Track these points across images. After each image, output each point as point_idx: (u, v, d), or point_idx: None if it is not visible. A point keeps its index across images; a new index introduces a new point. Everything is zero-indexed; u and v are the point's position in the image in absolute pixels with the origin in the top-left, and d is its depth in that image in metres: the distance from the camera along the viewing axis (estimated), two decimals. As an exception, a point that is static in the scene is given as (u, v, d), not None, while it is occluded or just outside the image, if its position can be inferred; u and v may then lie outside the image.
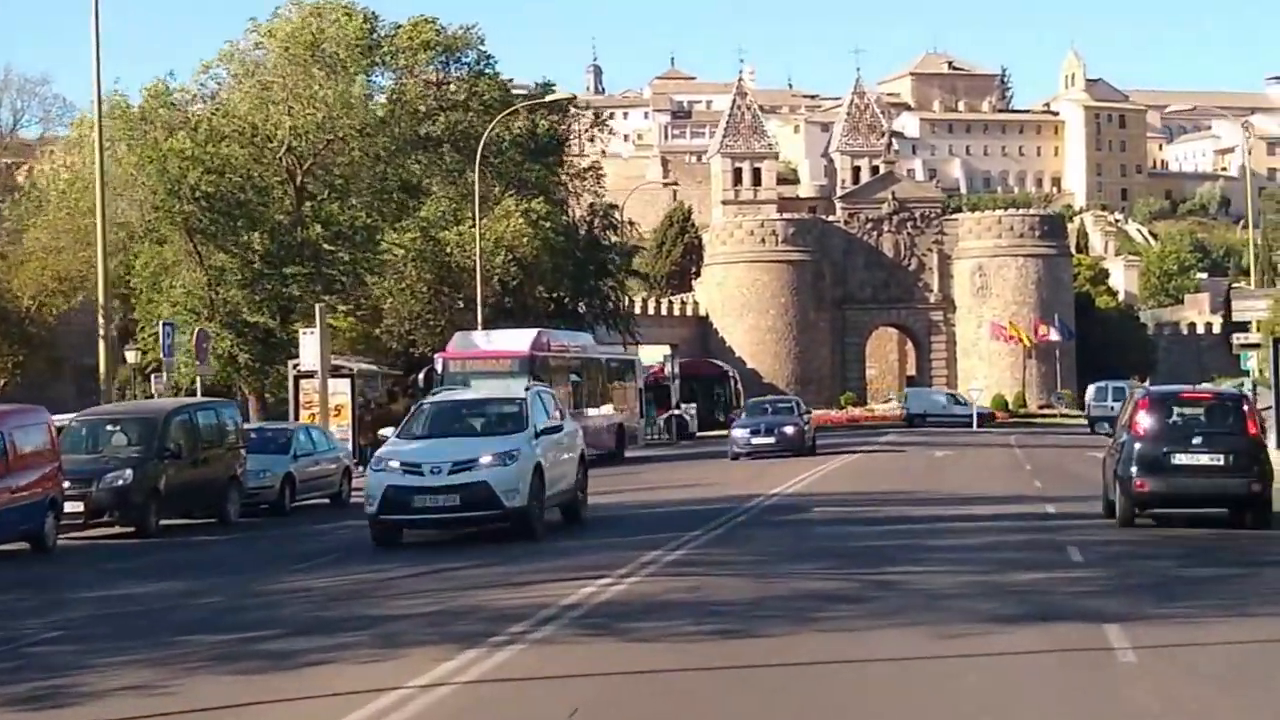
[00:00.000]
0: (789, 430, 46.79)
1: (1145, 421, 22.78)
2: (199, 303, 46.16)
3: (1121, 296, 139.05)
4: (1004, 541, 21.38)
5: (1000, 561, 18.97)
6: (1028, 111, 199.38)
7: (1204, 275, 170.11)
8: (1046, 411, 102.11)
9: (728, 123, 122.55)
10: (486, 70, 60.21)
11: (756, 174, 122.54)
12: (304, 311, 48.37)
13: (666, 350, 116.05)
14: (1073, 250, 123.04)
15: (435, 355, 48.40)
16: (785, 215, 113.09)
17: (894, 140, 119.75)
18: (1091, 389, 74.63)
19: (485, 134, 55.02)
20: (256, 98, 47.73)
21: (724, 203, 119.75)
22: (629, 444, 53.79)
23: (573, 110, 66.36)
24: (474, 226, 56.79)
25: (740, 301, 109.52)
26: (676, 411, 73.67)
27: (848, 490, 31.45)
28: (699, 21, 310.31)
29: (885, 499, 28.95)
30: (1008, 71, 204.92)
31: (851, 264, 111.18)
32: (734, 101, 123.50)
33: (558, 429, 23.17)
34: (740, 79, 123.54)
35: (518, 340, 47.90)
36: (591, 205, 75.69)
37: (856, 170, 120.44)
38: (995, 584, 16.99)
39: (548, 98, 59.45)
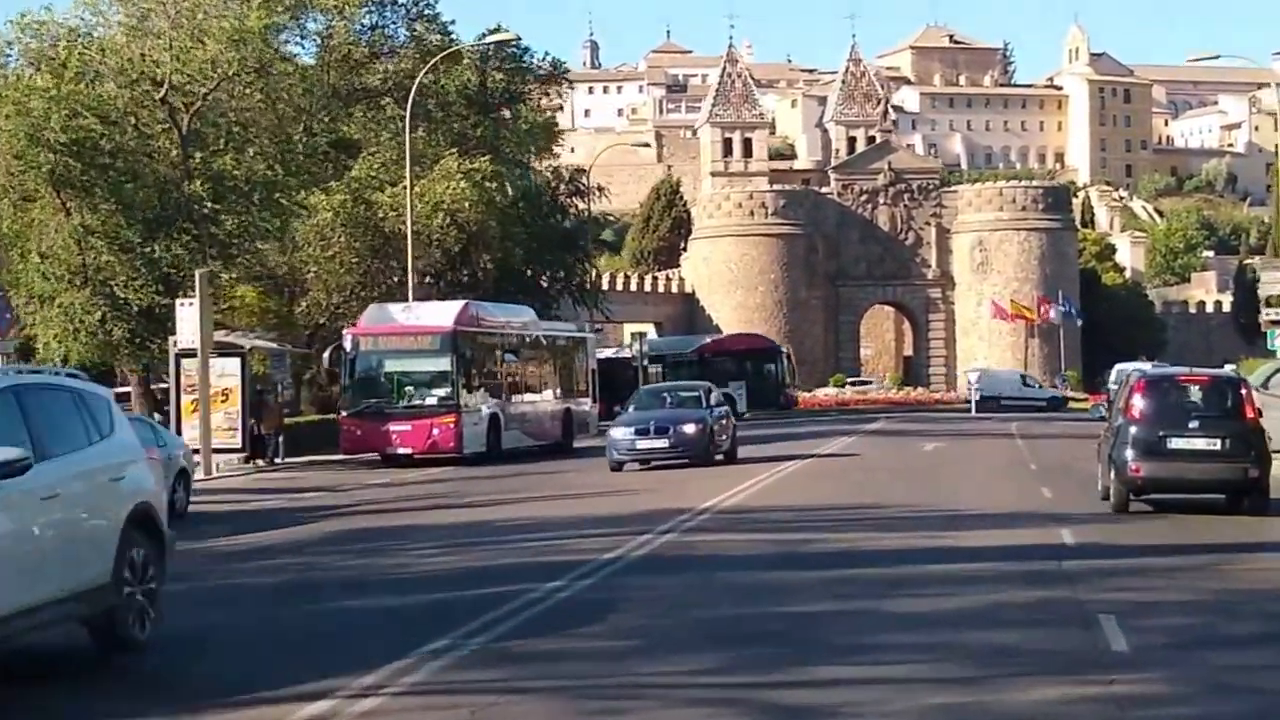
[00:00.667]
0: (688, 429, 33.54)
1: (1141, 404, 22.05)
2: (65, 269, 38.69)
3: (1128, 274, 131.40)
4: (1001, 606, 13.96)
5: (995, 654, 11.62)
6: (1030, 86, 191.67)
7: (1210, 253, 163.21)
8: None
9: (717, 91, 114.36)
10: (426, 12, 52.56)
11: (747, 145, 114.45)
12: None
13: (647, 329, 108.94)
14: (1078, 225, 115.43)
15: (344, 330, 41.08)
16: (775, 186, 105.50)
17: (891, 110, 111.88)
18: (1115, 371, 67.04)
19: (418, 80, 47.51)
20: (134, 29, 40.22)
21: (713, 174, 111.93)
22: (579, 432, 46.43)
23: (531, 63, 58.39)
24: (410, 187, 49.59)
25: (728, 277, 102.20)
26: (726, 390, 68.79)
27: (796, 505, 23.79)
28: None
29: (841, 520, 21.47)
30: (1010, 46, 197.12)
31: (845, 238, 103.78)
32: (724, 69, 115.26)
33: (20, 467, 10.28)
34: (730, 46, 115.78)
35: (440, 314, 40.54)
36: (555, 169, 68.25)
37: (852, 141, 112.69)
38: (986, 713, 9.66)
39: (489, 39, 51.37)
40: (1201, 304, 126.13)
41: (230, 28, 39.01)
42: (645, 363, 65.47)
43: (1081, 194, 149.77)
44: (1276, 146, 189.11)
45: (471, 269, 55.80)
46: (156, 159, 40.66)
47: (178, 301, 36.76)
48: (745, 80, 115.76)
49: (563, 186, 68.37)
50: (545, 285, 66.71)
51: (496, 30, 54.12)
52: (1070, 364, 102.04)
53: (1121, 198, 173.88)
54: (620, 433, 34.43)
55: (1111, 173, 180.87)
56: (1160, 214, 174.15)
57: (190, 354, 37.12)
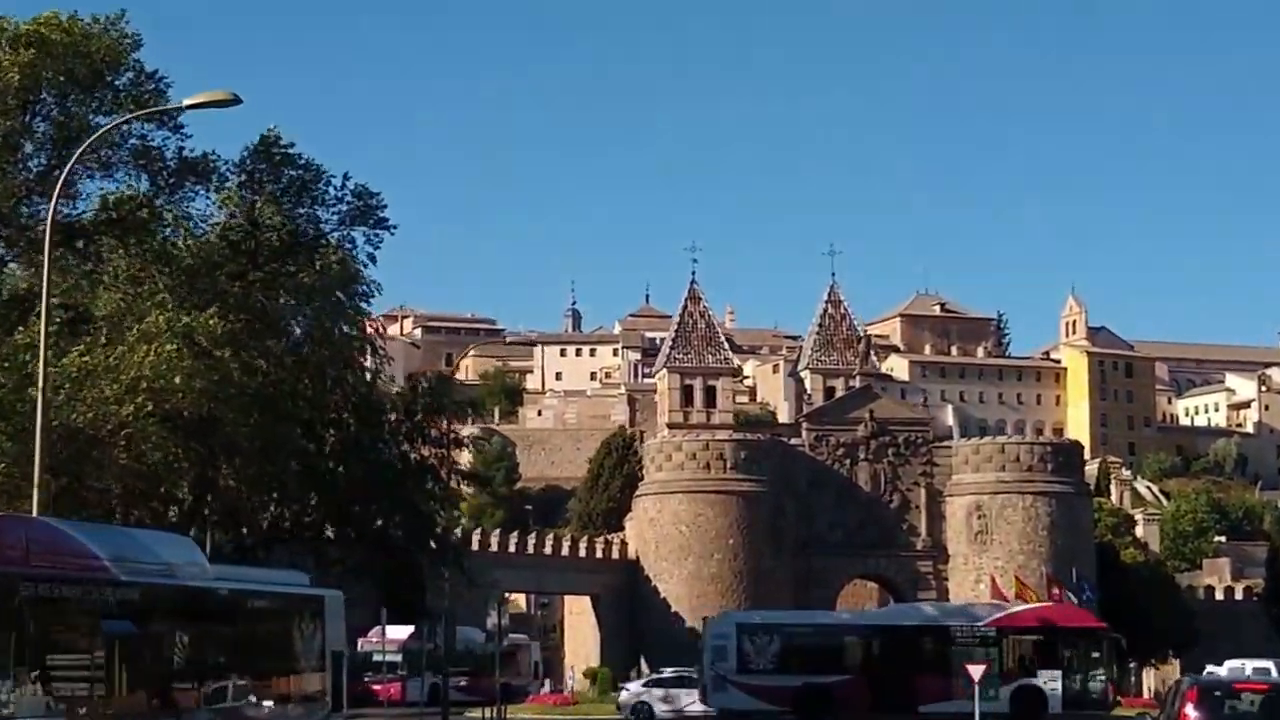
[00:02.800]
0: None
1: (1195, 715, 20.03)
2: None
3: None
4: None
5: None
6: (1027, 359, 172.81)
7: (1221, 539, 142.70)
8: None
9: (677, 332, 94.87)
10: (158, 87, 32.45)
11: (710, 393, 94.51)
12: None
13: (582, 601, 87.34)
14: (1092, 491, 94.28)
15: None
16: (736, 436, 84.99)
17: (875, 358, 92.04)
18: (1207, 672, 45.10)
19: (58, 188, 27.43)
20: None
21: (670, 426, 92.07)
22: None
23: (325, 191, 37.61)
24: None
25: (678, 541, 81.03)
26: (1033, 681, 49.86)
27: None
28: (678, 261, 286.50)
29: None
30: (1004, 317, 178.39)
31: (819, 498, 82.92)
32: (684, 307, 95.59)
33: None
34: (693, 282, 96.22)
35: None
36: (411, 378, 47.91)
37: (830, 391, 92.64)
38: None
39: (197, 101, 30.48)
40: (1230, 590, 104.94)
41: None
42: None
43: (1098, 461, 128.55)
44: (1270, 433, 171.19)
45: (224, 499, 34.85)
46: None
47: None
48: (709, 321, 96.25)
49: (420, 403, 47.84)
50: (387, 530, 46.08)
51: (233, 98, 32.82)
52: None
53: (1126, 477, 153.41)
54: None
55: (1113, 450, 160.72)
56: (1166, 495, 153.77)
57: None
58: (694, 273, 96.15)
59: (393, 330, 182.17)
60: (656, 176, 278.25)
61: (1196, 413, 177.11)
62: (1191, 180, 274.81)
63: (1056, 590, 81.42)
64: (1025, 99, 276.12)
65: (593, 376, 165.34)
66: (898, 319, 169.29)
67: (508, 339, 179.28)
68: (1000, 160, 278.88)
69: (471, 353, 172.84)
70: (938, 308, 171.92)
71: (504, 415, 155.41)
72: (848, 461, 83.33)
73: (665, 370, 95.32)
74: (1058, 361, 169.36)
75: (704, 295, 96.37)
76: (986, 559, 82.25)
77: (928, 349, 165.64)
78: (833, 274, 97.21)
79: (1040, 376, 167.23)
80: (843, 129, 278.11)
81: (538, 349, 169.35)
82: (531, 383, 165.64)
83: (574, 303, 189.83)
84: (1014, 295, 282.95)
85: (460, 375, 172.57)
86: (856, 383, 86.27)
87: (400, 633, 51.50)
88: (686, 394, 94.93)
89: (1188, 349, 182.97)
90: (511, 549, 79.07)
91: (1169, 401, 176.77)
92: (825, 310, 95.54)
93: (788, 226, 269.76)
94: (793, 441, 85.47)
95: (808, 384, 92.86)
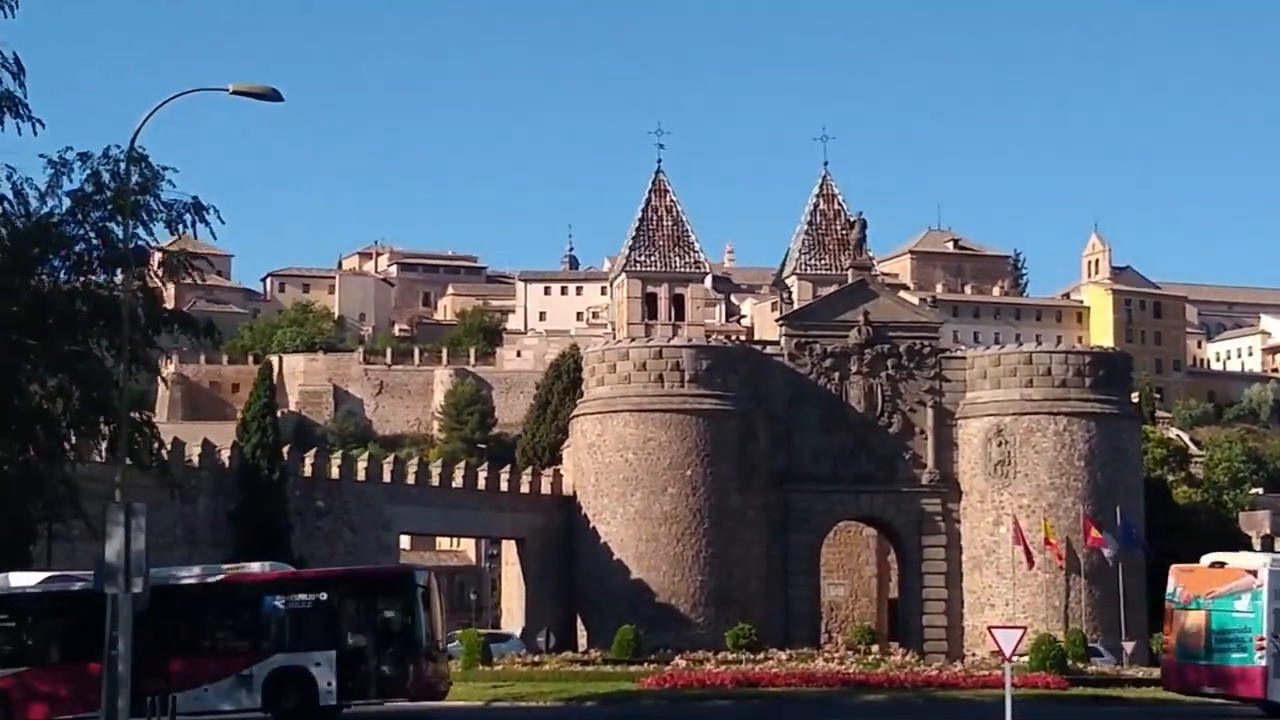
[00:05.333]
0: None
1: None
2: None
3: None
4: None
5: None
6: (1048, 299, 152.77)
7: (1258, 490, 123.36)
8: (1124, 674, 51.65)
9: (638, 230, 74.85)
10: None
11: (678, 303, 74.83)
12: None
13: (507, 547, 68.13)
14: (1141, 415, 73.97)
15: None
16: (696, 342, 65.48)
17: (871, 256, 72.40)
18: None
19: None
20: None
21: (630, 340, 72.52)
22: None
23: None
24: None
25: (623, 473, 61.54)
26: None
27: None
28: (686, 199, 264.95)
29: None
30: (1022, 255, 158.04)
31: (800, 420, 63.33)
32: (647, 201, 75.20)
33: None
34: (659, 172, 75.62)
35: None
36: (86, 156, 28.06)
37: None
38: None
39: None
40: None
41: None
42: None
43: (1139, 392, 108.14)
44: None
45: None
46: None
47: None
48: (677, 217, 76.26)
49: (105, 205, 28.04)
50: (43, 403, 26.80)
51: None
52: (1134, 618, 60.61)
53: (1164, 416, 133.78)
54: None
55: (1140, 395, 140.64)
56: (1197, 444, 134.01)
57: None
58: (659, 160, 76.08)
59: (367, 267, 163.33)
60: (654, 106, 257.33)
61: (1228, 357, 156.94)
62: (1222, 116, 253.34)
63: (1096, 535, 62.06)
64: (1043, 22, 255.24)
65: (579, 317, 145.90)
66: (907, 256, 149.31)
67: (488, 276, 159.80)
68: (1017, 87, 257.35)
69: (450, 291, 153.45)
70: (950, 244, 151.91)
71: (480, 357, 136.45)
72: (836, 375, 63.64)
73: (624, 276, 75.54)
74: (1080, 301, 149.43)
75: (672, 188, 76.33)
76: (1008, 496, 62.60)
77: (939, 288, 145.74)
78: (825, 163, 77.36)
79: (1061, 317, 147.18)
80: (851, 51, 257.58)
81: (520, 287, 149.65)
82: (515, 323, 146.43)
83: (571, 248, 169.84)
84: (1032, 234, 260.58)
85: (439, 315, 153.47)
86: (850, 276, 66.41)
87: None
88: (649, 304, 75.10)
89: (1219, 291, 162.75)
90: (410, 480, 59.52)
91: (1199, 345, 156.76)
92: (816, 206, 75.57)
93: (790, 160, 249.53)
94: (768, 351, 65.83)
95: (794, 292, 73.16)
